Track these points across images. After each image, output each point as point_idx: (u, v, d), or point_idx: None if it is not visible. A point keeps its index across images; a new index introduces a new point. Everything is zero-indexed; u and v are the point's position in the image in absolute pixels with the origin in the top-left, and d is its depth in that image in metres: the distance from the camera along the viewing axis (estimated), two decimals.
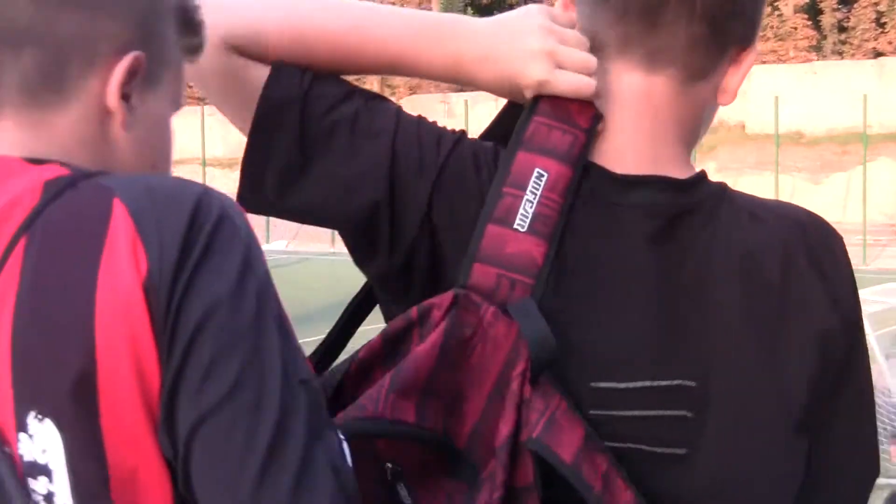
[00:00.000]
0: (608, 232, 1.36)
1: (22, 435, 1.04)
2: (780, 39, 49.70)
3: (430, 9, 41.17)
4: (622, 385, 1.31)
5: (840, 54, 51.66)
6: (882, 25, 51.62)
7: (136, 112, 1.21)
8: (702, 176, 1.42)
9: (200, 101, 55.68)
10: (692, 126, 1.46)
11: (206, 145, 45.50)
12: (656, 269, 1.35)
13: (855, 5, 52.53)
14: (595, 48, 1.40)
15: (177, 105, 1.29)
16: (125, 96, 1.19)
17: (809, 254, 1.37)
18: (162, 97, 1.25)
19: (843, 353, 1.37)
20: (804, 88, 40.08)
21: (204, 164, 44.09)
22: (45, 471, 1.04)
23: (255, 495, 1.01)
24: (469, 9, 57.91)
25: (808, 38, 51.65)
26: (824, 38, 53.71)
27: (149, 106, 1.23)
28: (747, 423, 1.33)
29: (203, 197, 1.10)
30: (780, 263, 1.36)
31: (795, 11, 51.51)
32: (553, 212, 1.33)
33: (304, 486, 1.03)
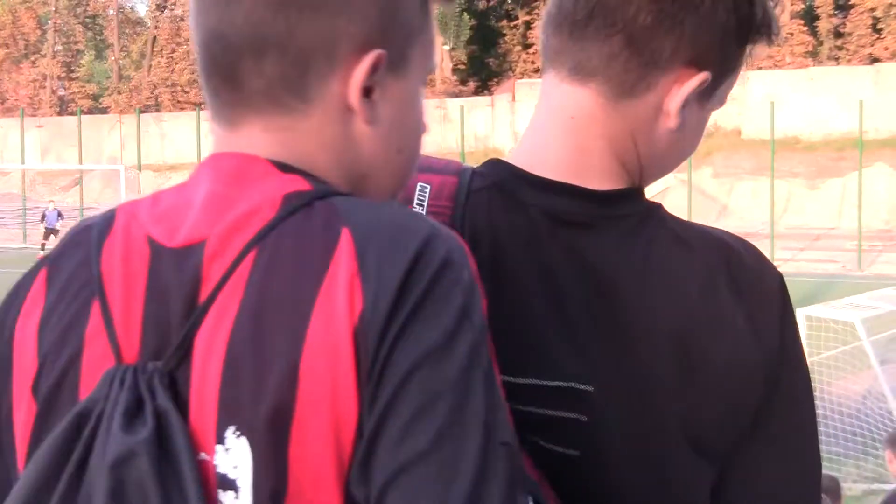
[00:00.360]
0: (518, 231, 1.38)
1: (219, 447, 1.06)
2: (776, 45, 49.71)
3: None
4: (513, 380, 1.30)
5: (836, 60, 51.74)
6: (878, 31, 51.69)
7: (377, 105, 1.21)
8: (629, 193, 1.43)
9: (197, 106, 55.68)
10: (628, 144, 1.44)
11: (202, 151, 45.33)
12: (564, 273, 1.35)
13: (851, 11, 52.64)
14: (546, 59, 1.47)
15: (428, 70, 1.29)
16: (367, 91, 1.19)
17: (734, 283, 1.35)
18: (409, 76, 1.24)
19: (764, 386, 1.34)
20: (800, 94, 40.15)
21: None
22: (233, 486, 1.06)
23: None
24: (465, 14, 57.91)
25: (804, 43, 51.75)
26: (821, 43, 53.80)
27: (392, 91, 1.22)
28: (643, 437, 1.31)
29: (430, 238, 1.08)
30: (699, 288, 1.34)
31: (792, 17, 51.59)
32: (444, 216, 1.38)
33: None
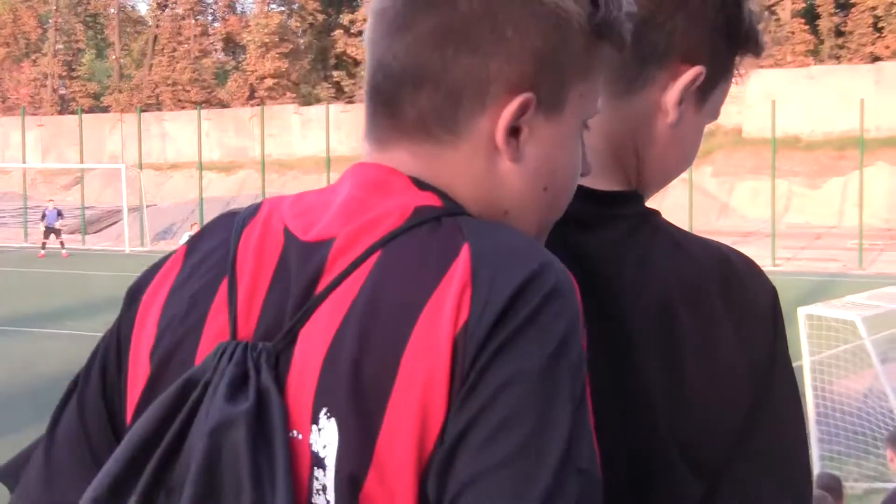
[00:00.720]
0: None
1: (314, 427, 1.13)
2: (777, 44, 49.69)
3: None
4: None
5: (837, 59, 51.79)
6: (880, 30, 51.73)
7: (525, 145, 1.25)
8: (628, 195, 1.46)
9: (198, 105, 55.74)
10: (627, 142, 1.47)
11: (203, 150, 45.41)
12: None
13: (853, 10, 52.67)
14: None
15: (589, 114, 1.31)
16: (514, 131, 1.24)
17: (726, 291, 1.35)
18: (563, 118, 1.27)
19: (750, 398, 1.34)
20: (801, 93, 40.16)
21: (200, 167, 44.09)
22: (323, 465, 1.12)
23: None
24: None
25: (805, 42, 51.79)
26: (822, 42, 53.83)
27: (543, 132, 1.26)
28: (633, 438, 1.31)
29: (543, 268, 1.13)
30: (690, 293, 1.35)
31: (793, 16, 51.63)
32: None
33: None
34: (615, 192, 1.45)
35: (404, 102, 1.24)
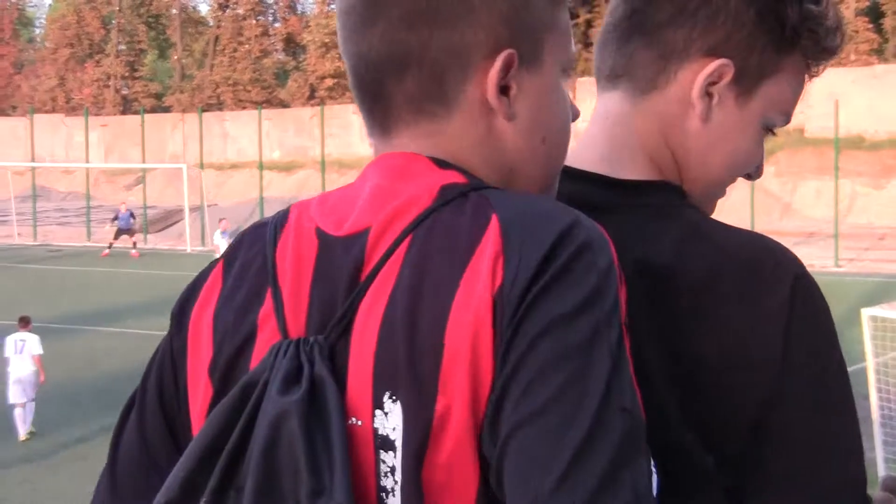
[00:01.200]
0: None
1: (378, 412, 1.17)
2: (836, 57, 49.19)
3: None
4: None
5: None
6: None
7: (515, 101, 1.31)
8: (657, 184, 1.49)
9: (258, 105, 56.05)
10: (657, 140, 1.51)
11: (263, 149, 45.68)
12: None
13: None
14: (595, 75, 1.60)
15: (568, 65, 1.38)
16: (504, 89, 1.30)
17: (741, 279, 1.33)
18: (544, 69, 1.34)
19: (766, 393, 1.31)
20: (865, 92, 39.73)
21: (261, 167, 44.35)
22: (392, 447, 1.16)
23: (553, 496, 1.06)
24: None
25: (869, 41, 51.22)
26: (886, 41, 53.23)
27: (529, 86, 1.32)
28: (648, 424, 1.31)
29: (572, 224, 1.17)
30: (703, 278, 1.33)
31: (857, 14, 51.11)
32: None
33: (601, 500, 1.06)
34: (642, 181, 1.49)
35: (392, 89, 1.30)
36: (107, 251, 35.46)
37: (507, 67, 1.28)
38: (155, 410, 1.38)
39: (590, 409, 1.08)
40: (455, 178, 1.26)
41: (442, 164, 1.28)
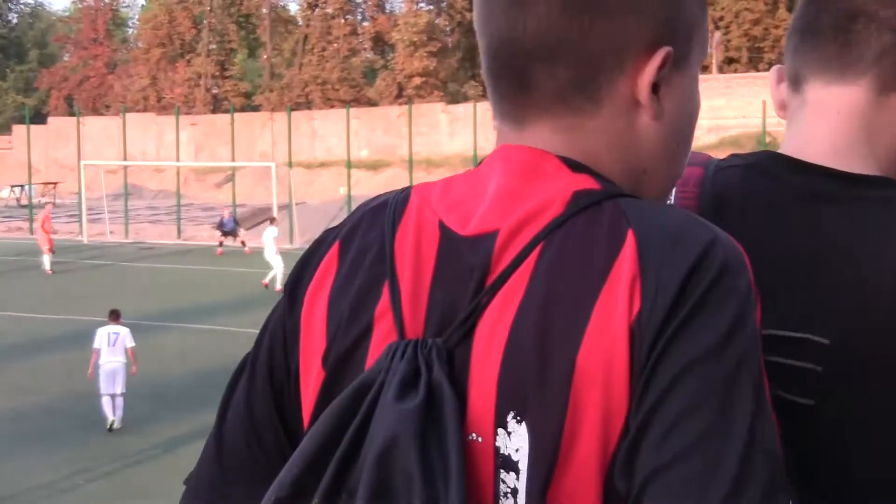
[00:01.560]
0: (767, 195, 1.46)
1: (500, 430, 1.12)
2: None
3: None
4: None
5: None
6: None
7: (664, 100, 1.25)
8: (882, 179, 1.46)
9: (346, 103, 56.46)
10: (888, 136, 1.50)
11: (352, 148, 45.96)
12: (804, 237, 1.41)
13: None
14: (798, 80, 1.55)
15: (703, 58, 1.33)
16: (654, 87, 1.23)
17: None
18: (689, 69, 1.29)
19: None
20: None
21: (349, 165, 44.64)
22: (515, 468, 1.11)
23: None
24: None
25: None
26: None
27: (675, 85, 1.26)
28: (885, 392, 1.34)
29: (710, 246, 1.11)
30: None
31: None
32: (692, 202, 1.49)
33: None
34: (868, 175, 1.46)
35: (540, 77, 1.22)
36: (220, 249, 35.98)
37: (663, 65, 1.22)
38: (265, 388, 1.34)
39: (735, 452, 1.03)
40: (587, 182, 1.19)
41: (573, 165, 1.21)
